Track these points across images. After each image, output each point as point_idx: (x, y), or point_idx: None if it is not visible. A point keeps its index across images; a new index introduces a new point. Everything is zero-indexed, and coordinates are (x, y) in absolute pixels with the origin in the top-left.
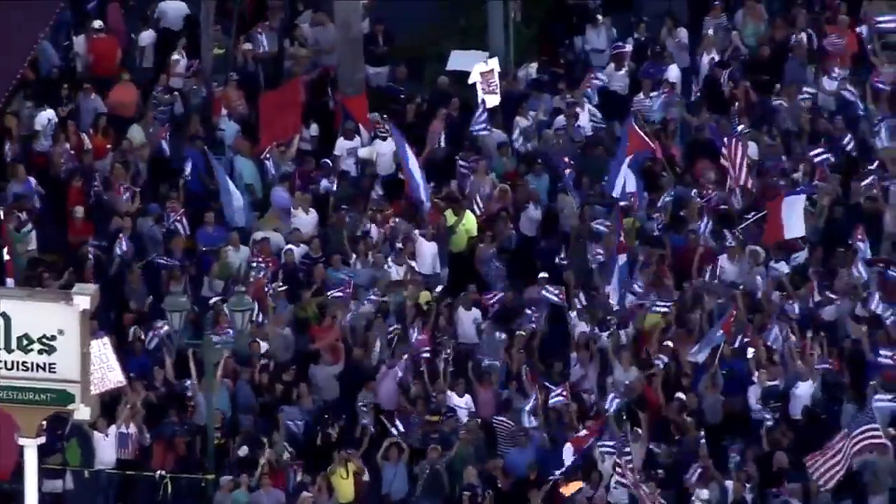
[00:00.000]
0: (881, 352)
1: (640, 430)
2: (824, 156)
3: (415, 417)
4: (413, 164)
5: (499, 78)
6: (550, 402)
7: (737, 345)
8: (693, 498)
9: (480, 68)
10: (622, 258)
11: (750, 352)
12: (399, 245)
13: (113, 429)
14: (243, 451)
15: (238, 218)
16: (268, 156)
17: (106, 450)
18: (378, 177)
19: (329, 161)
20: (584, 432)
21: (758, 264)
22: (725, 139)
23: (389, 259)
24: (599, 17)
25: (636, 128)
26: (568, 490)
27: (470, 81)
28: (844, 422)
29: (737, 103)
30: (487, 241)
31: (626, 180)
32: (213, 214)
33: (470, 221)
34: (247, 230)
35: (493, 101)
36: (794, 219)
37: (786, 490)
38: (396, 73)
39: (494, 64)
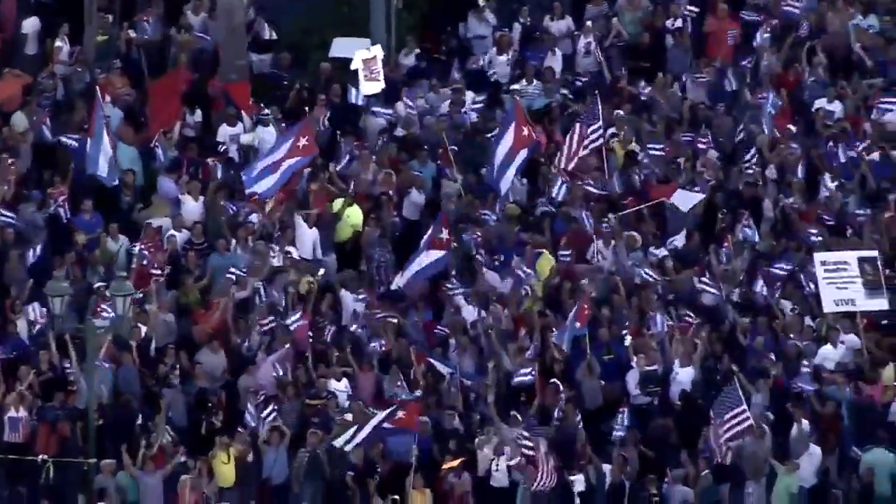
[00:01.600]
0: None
1: (518, 416)
2: (706, 144)
3: (295, 402)
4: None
5: (382, 65)
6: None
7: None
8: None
9: (363, 55)
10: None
11: (628, 339)
12: (277, 232)
13: None
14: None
15: (101, 170)
16: (156, 143)
17: None
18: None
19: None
20: (401, 413)
21: (634, 249)
22: (578, 124)
23: (272, 245)
24: (481, 2)
25: (521, 119)
26: (449, 465)
27: (352, 68)
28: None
29: (618, 90)
30: (372, 225)
31: (511, 176)
32: (90, 202)
33: (355, 215)
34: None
35: (375, 87)
36: (683, 200)
37: (669, 475)
38: (279, 60)
39: (377, 51)
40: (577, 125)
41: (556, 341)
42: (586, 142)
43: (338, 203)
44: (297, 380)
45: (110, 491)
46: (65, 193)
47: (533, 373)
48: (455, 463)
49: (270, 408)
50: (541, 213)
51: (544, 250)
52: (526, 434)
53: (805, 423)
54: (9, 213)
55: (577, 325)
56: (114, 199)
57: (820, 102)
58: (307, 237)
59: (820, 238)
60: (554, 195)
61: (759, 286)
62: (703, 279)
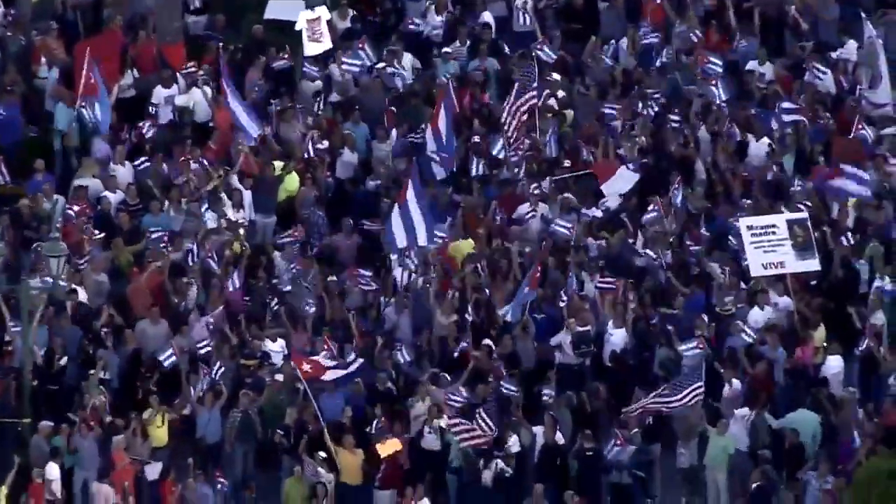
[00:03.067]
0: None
1: (447, 377)
2: (642, 108)
3: (230, 363)
4: (236, 105)
5: (326, 26)
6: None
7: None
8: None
9: (307, 16)
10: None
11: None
12: (223, 194)
13: None
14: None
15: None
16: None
17: None
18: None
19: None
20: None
21: (568, 211)
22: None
23: (204, 207)
24: None
25: (450, 88)
26: (384, 450)
27: (297, 28)
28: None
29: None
30: (308, 185)
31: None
32: (42, 162)
33: (290, 181)
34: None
35: (318, 48)
36: (619, 184)
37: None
38: (214, 22)
39: (322, 12)
40: (515, 87)
41: (509, 317)
42: (524, 105)
43: (278, 166)
44: (231, 340)
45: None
46: None
47: (467, 340)
48: (391, 451)
49: (210, 368)
50: (474, 176)
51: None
52: (455, 394)
53: (736, 383)
54: None
55: (527, 289)
56: (49, 159)
57: (752, 65)
58: (243, 198)
59: (749, 201)
60: (495, 153)
61: (691, 248)
62: (635, 241)
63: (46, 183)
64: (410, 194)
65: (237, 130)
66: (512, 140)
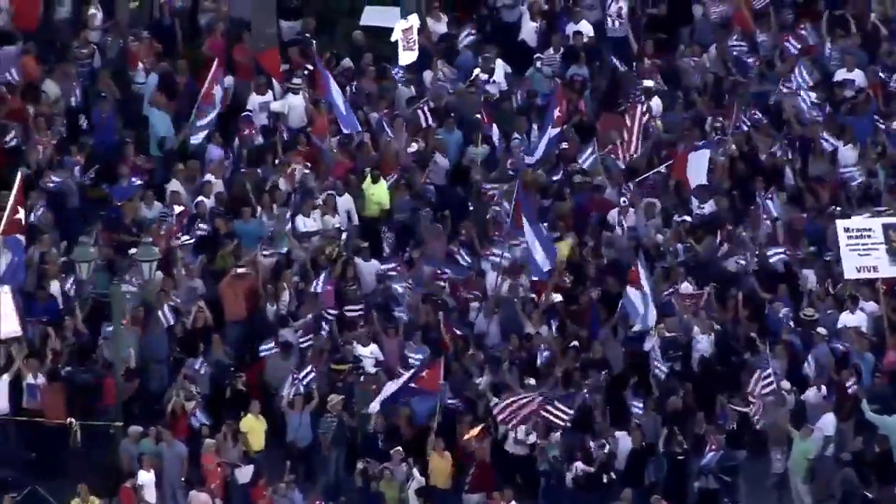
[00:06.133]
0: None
1: (533, 382)
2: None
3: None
4: (339, 98)
5: (417, 34)
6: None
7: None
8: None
9: (402, 25)
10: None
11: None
12: (319, 200)
13: (5, 378)
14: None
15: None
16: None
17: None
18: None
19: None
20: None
21: (653, 217)
22: (632, 99)
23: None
24: None
25: (560, 97)
26: (471, 434)
27: (392, 39)
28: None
29: (644, 60)
30: (402, 190)
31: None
32: (127, 168)
33: (381, 191)
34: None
35: (411, 57)
36: (698, 170)
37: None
38: (308, 28)
39: (414, 21)
40: (632, 105)
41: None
42: (642, 119)
43: (368, 184)
44: (323, 345)
45: (134, 456)
46: (80, 162)
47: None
48: (476, 431)
49: (307, 370)
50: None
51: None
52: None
53: (823, 388)
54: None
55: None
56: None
57: (841, 73)
58: (340, 205)
59: (839, 208)
60: (582, 164)
61: (781, 254)
62: (727, 247)
63: (141, 189)
64: (527, 211)
65: (331, 133)
66: (634, 151)
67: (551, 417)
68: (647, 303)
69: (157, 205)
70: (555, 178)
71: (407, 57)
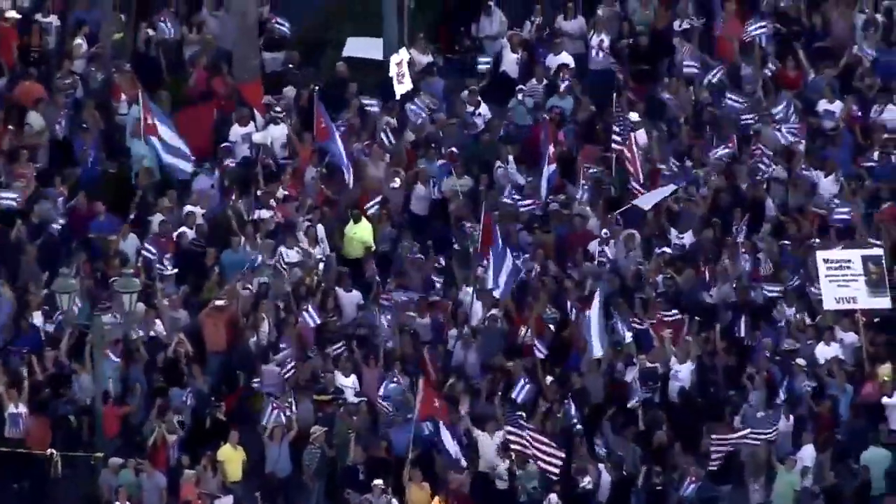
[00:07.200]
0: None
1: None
2: (723, 150)
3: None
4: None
5: (408, 67)
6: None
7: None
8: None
9: (395, 59)
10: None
11: (628, 336)
12: (301, 232)
13: None
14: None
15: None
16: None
17: None
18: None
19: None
20: (437, 403)
21: (633, 249)
22: (618, 131)
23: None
24: (491, 4)
25: (550, 137)
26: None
27: (390, 74)
28: (748, 419)
29: (625, 93)
30: (383, 221)
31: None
32: (102, 205)
33: (364, 231)
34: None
35: (402, 89)
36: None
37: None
38: (291, 59)
39: (404, 54)
40: (630, 136)
41: (595, 352)
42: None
43: (351, 226)
44: (302, 376)
45: (113, 487)
46: (63, 194)
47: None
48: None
49: (287, 402)
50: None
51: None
52: (512, 429)
53: (791, 418)
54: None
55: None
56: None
57: (822, 104)
58: (318, 233)
59: (818, 239)
60: (578, 196)
61: (760, 287)
62: (707, 278)
63: (120, 223)
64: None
65: (314, 164)
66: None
67: (546, 465)
68: (593, 332)
69: (131, 237)
70: (527, 206)
71: (400, 89)
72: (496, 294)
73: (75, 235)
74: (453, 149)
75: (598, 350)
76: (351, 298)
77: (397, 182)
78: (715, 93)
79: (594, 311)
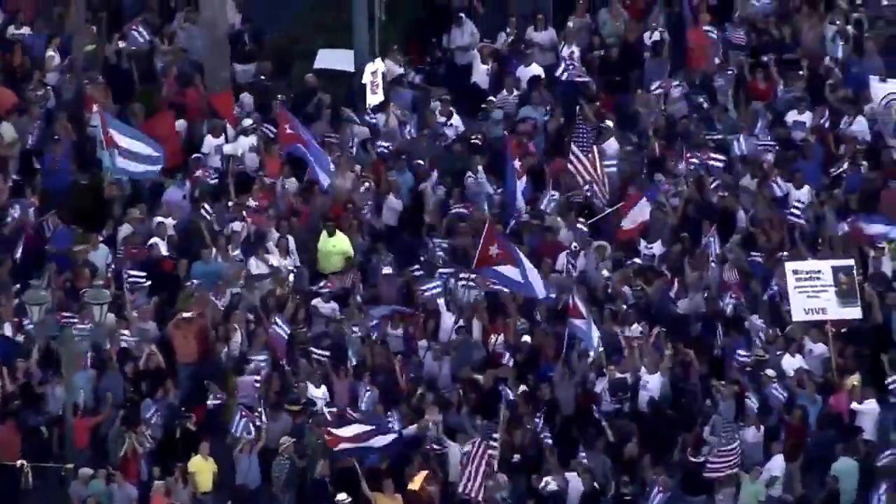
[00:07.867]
0: (739, 352)
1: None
2: (694, 160)
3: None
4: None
5: (382, 78)
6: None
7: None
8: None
9: (370, 69)
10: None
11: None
12: (272, 242)
13: None
14: None
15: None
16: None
17: None
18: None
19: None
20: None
21: (603, 259)
22: (580, 145)
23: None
24: (462, 15)
25: (515, 154)
26: (416, 483)
27: (364, 81)
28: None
29: (597, 103)
30: (355, 231)
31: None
32: (56, 217)
33: (342, 242)
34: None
35: (375, 100)
36: (641, 213)
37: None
38: (262, 70)
39: (380, 65)
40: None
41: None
42: (593, 160)
43: (324, 237)
44: (274, 386)
45: (83, 498)
46: (35, 204)
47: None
48: (421, 477)
49: (257, 412)
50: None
51: None
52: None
53: (761, 428)
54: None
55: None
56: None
57: (792, 115)
58: (289, 244)
59: (787, 253)
60: (543, 208)
61: (728, 297)
62: (676, 288)
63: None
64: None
65: (285, 175)
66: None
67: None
68: (590, 328)
69: (102, 247)
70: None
71: (373, 99)
72: (539, 296)
73: (34, 249)
74: (419, 161)
75: (597, 347)
76: (328, 309)
77: (366, 185)
78: (688, 104)
79: (584, 312)
